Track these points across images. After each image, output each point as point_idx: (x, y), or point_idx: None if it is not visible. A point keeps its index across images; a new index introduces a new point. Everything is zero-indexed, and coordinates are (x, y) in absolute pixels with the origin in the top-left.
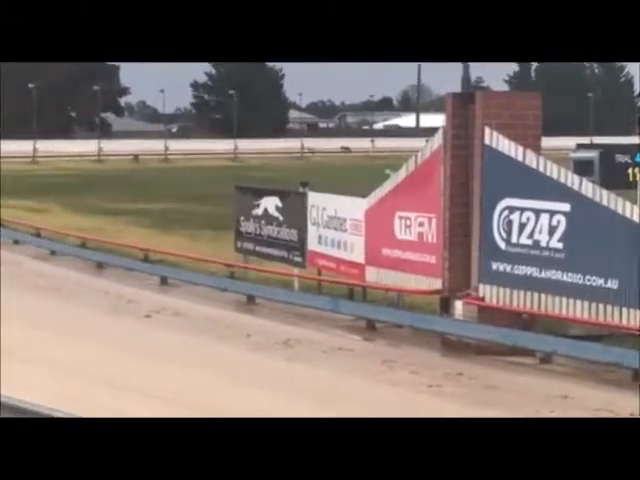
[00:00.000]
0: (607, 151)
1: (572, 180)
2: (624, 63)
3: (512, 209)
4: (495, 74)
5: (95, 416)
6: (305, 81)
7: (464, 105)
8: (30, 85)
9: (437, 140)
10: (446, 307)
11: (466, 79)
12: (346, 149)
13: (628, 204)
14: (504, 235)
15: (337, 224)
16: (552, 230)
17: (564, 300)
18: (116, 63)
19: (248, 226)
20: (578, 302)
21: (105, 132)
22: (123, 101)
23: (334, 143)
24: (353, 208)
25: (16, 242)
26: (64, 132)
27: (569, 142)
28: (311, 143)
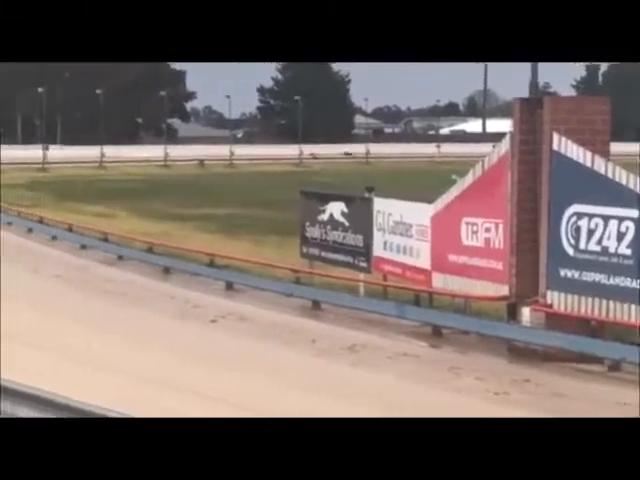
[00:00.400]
0: None
1: None
2: None
3: (580, 215)
4: (562, 79)
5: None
6: (371, 86)
7: (532, 110)
8: (98, 91)
9: (504, 145)
10: (513, 313)
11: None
12: (348, 154)
13: None
14: (572, 241)
15: (403, 230)
16: (620, 236)
17: (633, 307)
18: (181, 68)
19: (313, 231)
20: None
21: (171, 137)
22: (189, 106)
23: (400, 148)
24: (419, 213)
25: (83, 247)
26: (131, 137)
27: (638, 147)
28: (377, 148)
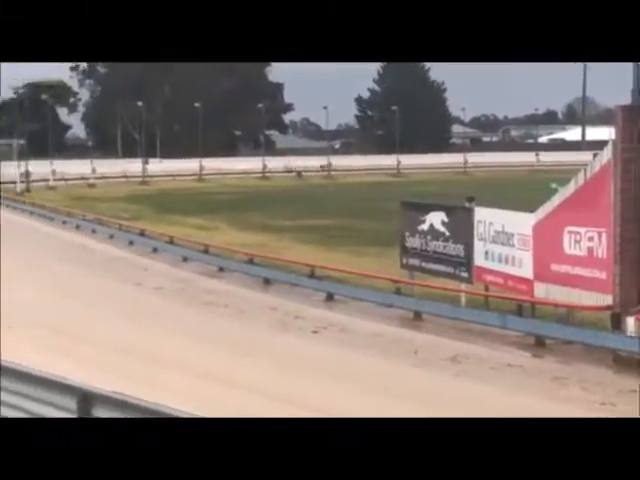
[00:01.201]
0: None
1: None
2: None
3: None
4: None
5: None
6: (468, 95)
7: (634, 118)
8: (196, 104)
9: (606, 154)
10: (617, 323)
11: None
12: (324, 167)
13: None
14: None
15: (504, 239)
16: None
17: None
18: (279, 81)
19: (413, 242)
20: None
21: (269, 149)
22: (287, 118)
23: (498, 157)
24: (521, 223)
25: (184, 259)
26: (229, 150)
27: None
28: (474, 158)
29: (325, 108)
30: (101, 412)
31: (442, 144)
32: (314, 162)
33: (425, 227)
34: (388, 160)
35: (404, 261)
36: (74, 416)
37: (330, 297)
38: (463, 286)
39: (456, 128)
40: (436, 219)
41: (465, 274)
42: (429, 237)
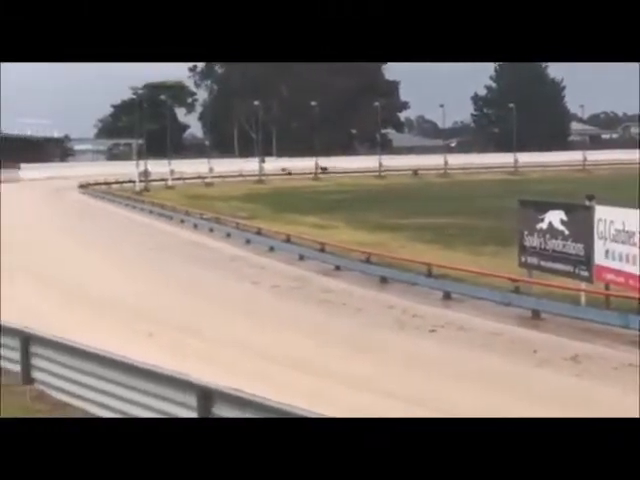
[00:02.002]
0: None
1: None
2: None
3: None
4: None
5: None
6: (586, 92)
7: None
8: (312, 103)
9: None
10: None
11: None
12: (286, 171)
13: None
14: None
15: (625, 237)
16: None
17: None
18: (394, 79)
19: (532, 240)
20: None
21: (385, 148)
22: (403, 116)
23: (618, 155)
24: None
25: (301, 258)
26: (345, 149)
27: None
28: (593, 155)
29: (441, 106)
30: (221, 410)
31: (560, 142)
32: (429, 160)
33: (544, 225)
34: (505, 158)
35: (522, 259)
36: (194, 413)
37: (447, 296)
38: (583, 285)
39: (574, 125)
40: (555, 217)
41: (585, 273)
42: (548, 236)
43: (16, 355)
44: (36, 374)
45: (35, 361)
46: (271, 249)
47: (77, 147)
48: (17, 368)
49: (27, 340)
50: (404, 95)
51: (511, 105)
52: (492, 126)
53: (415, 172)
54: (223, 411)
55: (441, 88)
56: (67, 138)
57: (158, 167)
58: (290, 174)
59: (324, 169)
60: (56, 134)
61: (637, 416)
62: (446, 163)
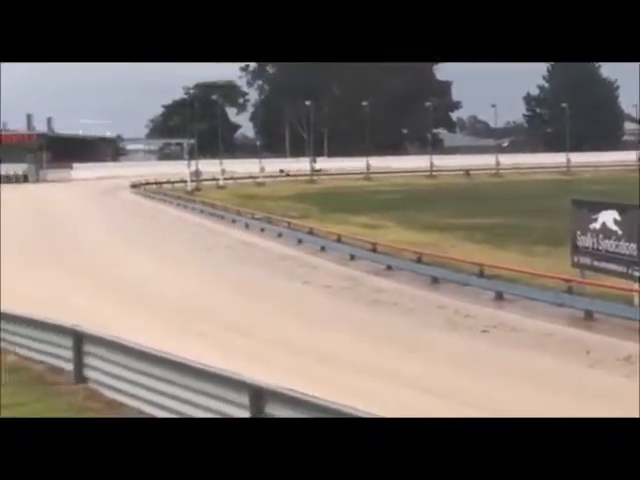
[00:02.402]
0: None
1: None
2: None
3: None
4: None
5: None
6: None
7: None
8: (364, 103)
9: None
10: None
11: None
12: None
13: None
14: None
15: None
16: None
17: None
18: (447, 79)
19: (585, 240)
20: None
21: (437, 148)
22: (454, 116)
23: None
24: None
25: (352, 257)
26: (396, 148)
27: None
28: None
29: (493, 106)
30: (273, 409)
31: (613, 141)
32: (482, 160)
33: (597, 226)
34: (557, 158)
35: (575, 260)
36: (247, 412)
37: (500, 296)
38: (636, 285)
39: (628, 125)
40: (608, 218)
41: (638, 273)
42: (601, 236)
43: (69, 354)
44: (89, 373)
45: (88, 360)
46: (322, 249)
47: (129, 147)
48: (70, 367)
49: (79, 339)
50: (456, 95)
51: (564, 105)
52: (544, 126)
53: (467, 172)
54: (275, 410)
55: (493, 88)
56: (119, 138)
57: (209, 167)
58: (288, 175)
59: (317, 171)
60: (109, 134)
61: None
62: (498, 163)
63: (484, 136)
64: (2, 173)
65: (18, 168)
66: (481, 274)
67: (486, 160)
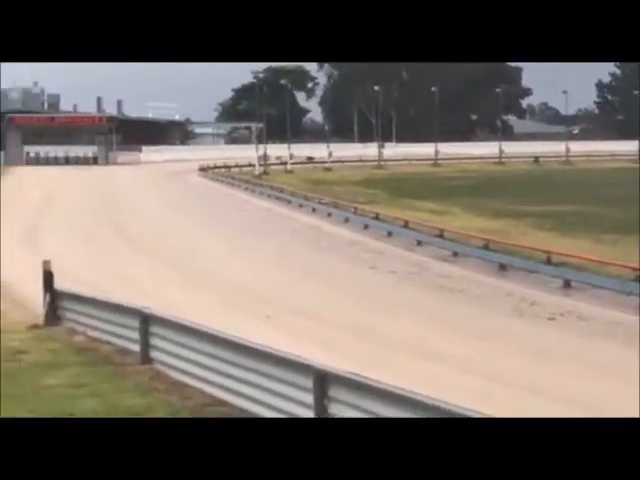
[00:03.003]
0: None
1: None
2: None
3: None
4: None
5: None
6: None
7: None
8: (433, 89)
9: None
10: None
11: None
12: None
13: None
14: None
15: None
16: None
17: None
18: (517, 65)
19: None
20: None
21: (506, 134)
22: (525, 103)
23: None
24: None
25: (419, 243)
26: (465, 135)
27: None
28: None
29: (564, 92)
30: (337, 393)
31: None
32: (552, 147)
33: None
34: (629, 146)
35: None
36: (310, 396)
37: (568, 284)
38: None
39: None
40: None
41: None
42: None
43: (135, 335)
44: (154, 354)
45: (154, 341)
46: (389, 234)
47: (198, 130)
48: (136, 348)
49: (146, 320)
50: (527, 82)
51: (636, 92)
52: (616, 113)
53: (536, 159)
54: (340, 394)
55: (564, 75)
56: (188, 121)
57: (278, 151)
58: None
59: (311, 159)
60: (177, 117)
61: None
62: (568, 150)
63: (554, 123)
64: (72, 155)
65: (88, 150)
66: (549, 262)
67: (556, 147)
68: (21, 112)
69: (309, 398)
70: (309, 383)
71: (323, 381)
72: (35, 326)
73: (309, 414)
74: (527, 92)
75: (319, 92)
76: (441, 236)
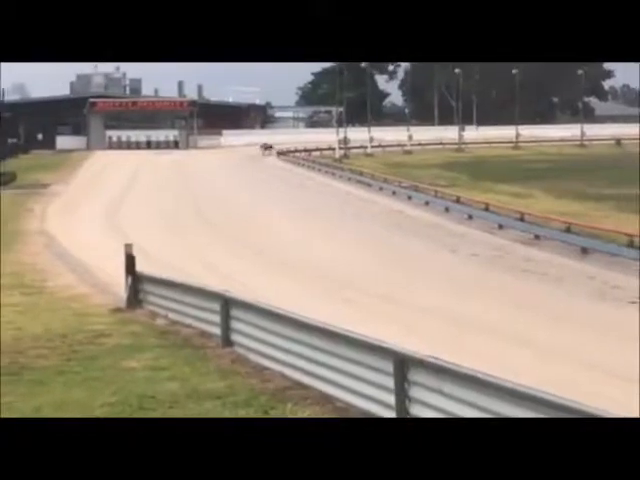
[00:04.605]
0: None
1: None
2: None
3: None
4: None
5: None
6: None
7: None
8: (514, 71)
9: None
10: None
11: None
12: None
13: None
14: None
15: None
16: None
17: None
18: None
19: None
20: None
21: (588, 116)
22: (607, 85)
23: None
24: None
25: (500, 227)
26: (545, 117)
27: None
28: None
29: None
30: (417, 376)
31: None
32: (634, 130)
33: None
34: None
35: None
36: (391, 380)
37: None
38: None
39: None
40: None
41: None
42: None
43: (216, 318)
44: (235, 337)
45: (235, 324)
46: (469, 217)
47: (278, 114)
48: (217, 331)
49: (227, 303)
50: (609, 64)
51: None
52: None
53: (618, 141)
54: (419, 377)
55: None
56: (268, 105)
57: (358, 134)
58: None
59: (269, 147)
60: (258, 101)
61: None
62: None
63: (637, 105)
64: (153, 139)
65: (169, 135)
66: (631, 245)
67: (638, 129)
68: (103, 97)
69: (389, 382)
70: (389, 367)
71: (403, 364)
72: (117, 309)
73: (389, 398)
74: (609, 74)
75: (400, 75)
76: (522, 219)
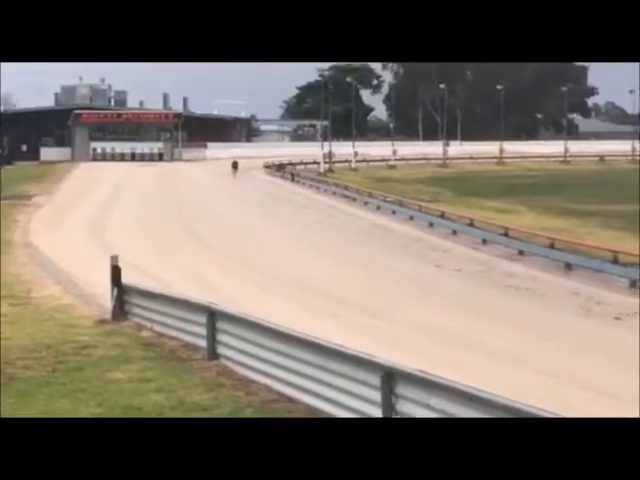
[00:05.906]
0: None
1: None
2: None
3: None
4: None
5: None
6: None
7: None
8: (498, 87)
9: None
10: None
11: None
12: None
13: None
14: None
15: None
16: None
17: None
18: (583, 65)
19: None
20: None
21: (572, 133)
22: (590, 102)
23: None
24: None
25: (484, 242)
26: (529, 133)
27: None
28: None
29: (631, 92)
30: (404, 390)
31: None
32: (617, 146)
33: None
34: None
35: None
36: (378, 394)
37: (634, 284)
38: None
39: None
40: None
41: None
42: None
43: (202, 330)
44: (221, 349)
45: (221, 337)
46: (454, 233)
47: (263, 127)
48: (203, 343)
49: (213, 316)
50: (592, 81)
51: None
52: None
53: (602, 158)
54: (407, 391)
55: (632, 74)
56: (253, 118)
57: (342, 149)
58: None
59: (234, 164)
60: (243, 114)
61: None
62: (635, 149)
63: (621, 122)
64: (138, 151)
65: (154, 147)
66: (615, 261)
67: (623, 147)
68: (88, 108)
69: (376, 395)
70: (376, 380)
71: (390, 378)
72: (103, 321)
73: (376, 412)
74: (593, 91)
75: (384, 90)
76: (506, 235)
